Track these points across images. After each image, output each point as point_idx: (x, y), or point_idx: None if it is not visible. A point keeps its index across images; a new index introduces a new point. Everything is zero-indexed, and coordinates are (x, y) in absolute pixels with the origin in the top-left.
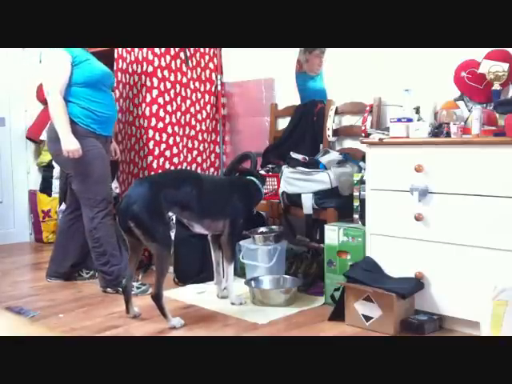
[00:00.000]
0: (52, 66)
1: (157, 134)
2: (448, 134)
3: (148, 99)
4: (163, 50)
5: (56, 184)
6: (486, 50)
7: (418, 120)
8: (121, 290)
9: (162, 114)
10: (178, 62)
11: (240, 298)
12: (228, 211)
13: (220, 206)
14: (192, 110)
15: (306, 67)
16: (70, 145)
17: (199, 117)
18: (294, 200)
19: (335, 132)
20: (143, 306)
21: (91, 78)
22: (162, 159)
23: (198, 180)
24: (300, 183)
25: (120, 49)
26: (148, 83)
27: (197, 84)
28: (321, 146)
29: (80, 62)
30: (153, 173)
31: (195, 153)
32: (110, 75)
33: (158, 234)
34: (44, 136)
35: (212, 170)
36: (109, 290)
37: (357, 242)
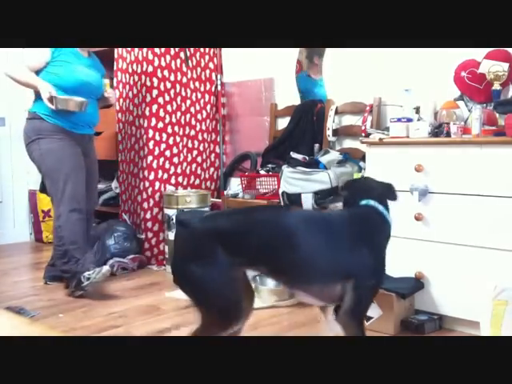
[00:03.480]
0: (32, 49)
1: (157, 133)
2: (448, 134)
3: (148, 99)
4: (163, 49)
5: None
6: (486, 50)
7: (418, 120)
8: (83, 287)
9: (161, 113)
10: (178, 61)
11: None
12: (346, 266)
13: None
14: (192, 109)
15: (312, 72)
16: (43, 87)
17: (199, 117)
18: (294, 200)
19: (335, 132)
20: (143, 305)
21: (65, 83)
22: (162, 159)
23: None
24: (300, 183)
25: (120, 49)
26: (148, 83)
27: (197, 84)
28: (316, 145)
29: (59, 61)
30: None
31: (195, 153)
32: (87, 86)
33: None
34: None
35: (212, 169)
36: (76, 293)
37: None
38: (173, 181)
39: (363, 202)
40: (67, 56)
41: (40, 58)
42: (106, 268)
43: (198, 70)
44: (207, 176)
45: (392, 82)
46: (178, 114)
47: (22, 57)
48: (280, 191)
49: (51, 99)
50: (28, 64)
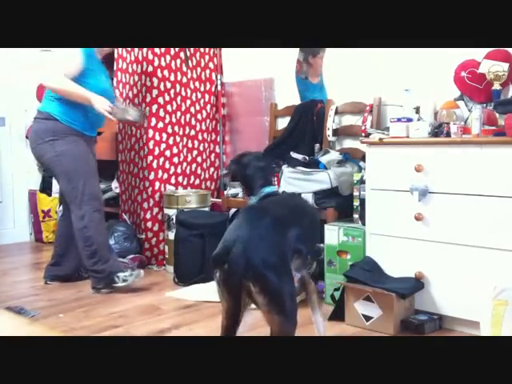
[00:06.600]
0: (65, 55)
1: (157, 133)
2: (448, 134)
3: (148, 99)
4: (163, 49)
5: (56, 184)
6: (486, 50)
7: (418, 120)
8: (115, 286)
9: (161, 113)
10: (178, 61)
11: None
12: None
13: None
14: (192, 109)
15: (309, 72)
16: (99, 100)
17: (199, 117)
18: None
19: (335, 132)
20: (143, 305)
21: (93, 92)
22: (162, 159)
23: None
24: (300, 183)
25: (120, 49)
26: (148, 83)
27: (197, 84)
28: (316, 145)
29: (88, 69)
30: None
31: (195, 153)
32: (108, 93)
33: (287, 302)
34: None
35: (212, 169)
36: (103, 290)
37: (357, 242)
38: (173, 181)
39: (267, 190)
40: (94, 64)
41: (76, 67)
42: (142, 272)
43: (198, 69)
44: (207, 176)
45: (392, 82)
46: (178, 113)
47: (53, 65)
48: (280, 191)
49: (110, 111)
50: (66, 73)
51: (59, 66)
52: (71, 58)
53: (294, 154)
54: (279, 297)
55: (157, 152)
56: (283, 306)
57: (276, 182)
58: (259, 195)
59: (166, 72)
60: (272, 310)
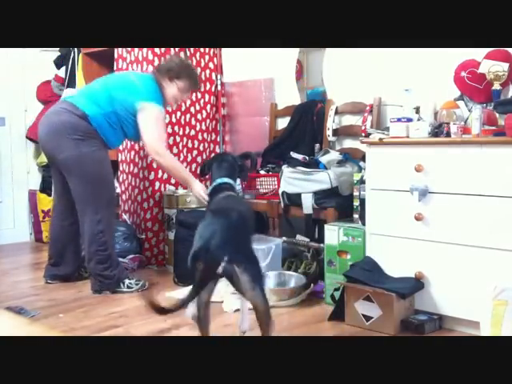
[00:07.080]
0: (158, 121)
1: None
2: (448, 134)
3: None
4: (163, 49)
5: None
6: (486, 50)
7: (418, 120)
8: (118, 291)
9: None
10: None
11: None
12: None
13: None
14: (192, 109)
15: None
16: (199, 186)
17: (199, 117)
18: (294, 200)
19: (335, 132)
20: (143, 305)
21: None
22: None
23: None
24: (300, 183)
25: (120, 49)
26: None
27: None
28: (316, 145)
29: None
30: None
31: (195, 153)
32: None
33: (262, 281)
34: None
35: None
36: (104, 292)
37: (357, 242)
38: (173, 181)
39: (219, 180)
40: None
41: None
42: (147, 283)
43: (198, 69)
44: (207, 176)
45: (392, 82)
46: (178, 113)
47: (155, 137)
48: (280, 191)
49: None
50: (163, 140)
51: (160, 137)
52: (163, 125)
53: (294, 154)
54: (258, 274)
55: None
56: (262, 281)
57: (277, 182)
58: (213, 184)
59: None
60: (255, 285)
